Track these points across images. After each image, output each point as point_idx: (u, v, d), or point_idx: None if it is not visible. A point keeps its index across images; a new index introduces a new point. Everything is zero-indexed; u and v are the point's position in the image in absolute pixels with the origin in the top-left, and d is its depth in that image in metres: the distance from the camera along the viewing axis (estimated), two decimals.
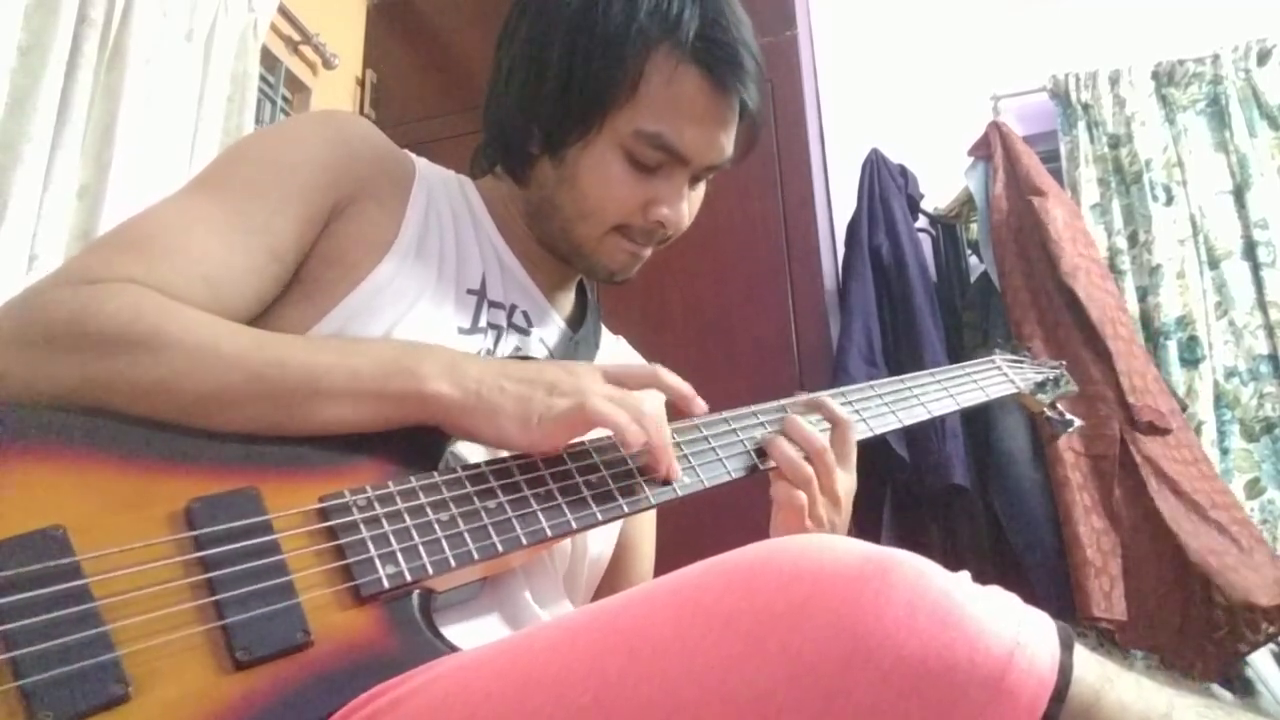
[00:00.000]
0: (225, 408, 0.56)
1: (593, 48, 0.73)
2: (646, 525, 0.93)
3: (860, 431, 0.80)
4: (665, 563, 0.55)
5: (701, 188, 0.82)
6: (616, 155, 0.74)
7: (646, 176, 0.76)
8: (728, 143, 0.78)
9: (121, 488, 0.51)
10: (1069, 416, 1.10)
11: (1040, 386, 1.09)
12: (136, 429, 0.54)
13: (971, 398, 0.96)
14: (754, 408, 0.77)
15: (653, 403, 0.65)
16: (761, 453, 0.74)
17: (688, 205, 0.79)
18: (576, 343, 0.84)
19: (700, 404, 0.69)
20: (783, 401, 0.79)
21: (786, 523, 0.74)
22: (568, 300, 0.89)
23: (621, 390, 0.65)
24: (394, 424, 0.61)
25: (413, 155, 0.82)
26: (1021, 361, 1.11)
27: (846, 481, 0.76)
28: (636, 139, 0.73)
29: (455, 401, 0.61)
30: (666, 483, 0.67)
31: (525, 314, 0.81)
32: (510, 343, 0.78)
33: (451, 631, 0.56)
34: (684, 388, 0.69)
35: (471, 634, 0.58)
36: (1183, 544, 1.62)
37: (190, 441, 0.55)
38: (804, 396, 0.79)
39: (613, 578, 0.85)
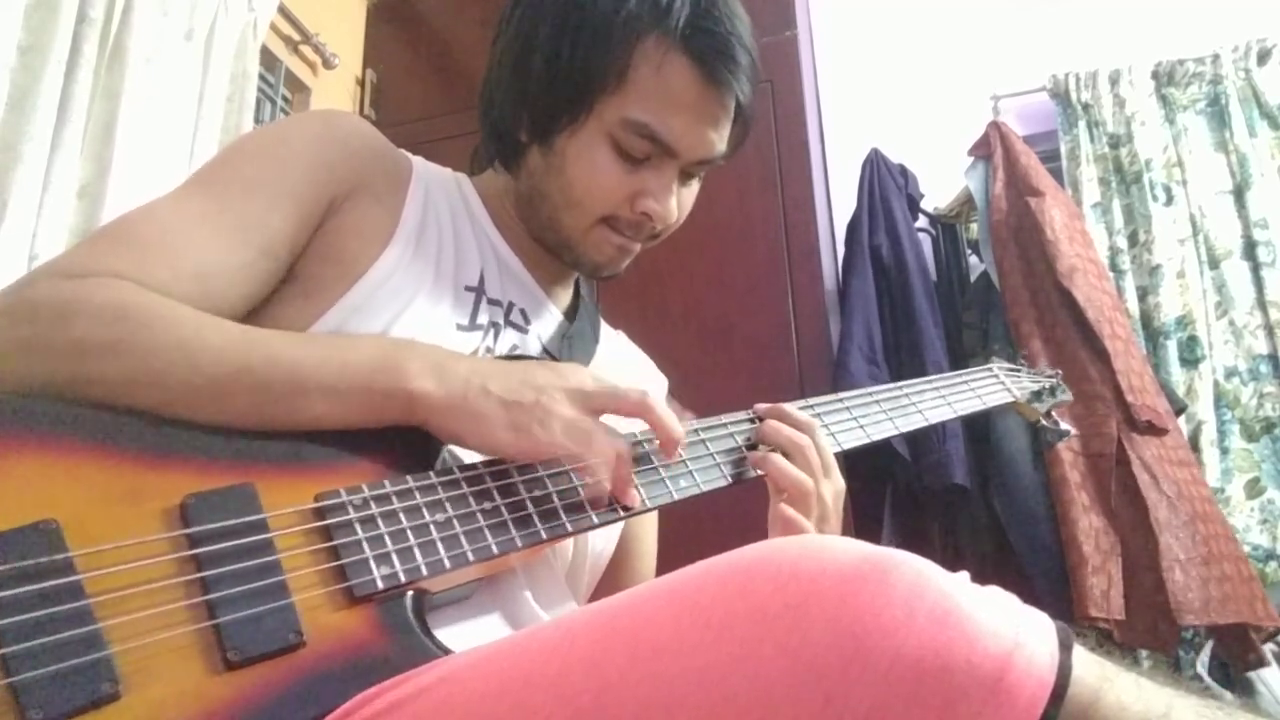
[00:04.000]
0: (213, 400, 0.56)
1: (581, 34, 0.72)
2: (648, 523, 0.93)
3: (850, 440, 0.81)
4: (665, 563, 0.55)
5: (695, 185, 0.81)
6: (604, 144, 0.74)
7: (634, 167, 0.75)
8: (718, 137, 0.76)
9: (116, 482, 0.50)
10: (1064, 426, 1.11)
11: (1036, 395, 1.09)
12: (131, 421, 0.53)
13: (968, 405, 0.96)
14: (723, 417, 0.76)
15: (616, 444, 0.64)
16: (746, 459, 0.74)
17: (676, 200, 0.78)
18: (570, 338, 0.83)
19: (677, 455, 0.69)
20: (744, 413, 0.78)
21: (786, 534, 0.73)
22: (566, 296, 0.89)
23: (589, 425, 0.63)
24: (380, 421, 0.60)
25: (409, 154, 0.82)
26: (1018, 370, 1.12)
27: (831, 486, 0.75)
28: (624, 128, 0.73)
29: (439, 401, 0.60)
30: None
31: (523, 311, 0.80)
32: (508, 339, 0.77)
33: (451, 631, 0.56)
34: (671, 427, 0.66)
35: (472, 634, 0.58)
36: (1160, 546, 1.62)
37: (186, 435, 0.55)
38: (764, 406, 0.78)
39: (614, 575, 0.85)
